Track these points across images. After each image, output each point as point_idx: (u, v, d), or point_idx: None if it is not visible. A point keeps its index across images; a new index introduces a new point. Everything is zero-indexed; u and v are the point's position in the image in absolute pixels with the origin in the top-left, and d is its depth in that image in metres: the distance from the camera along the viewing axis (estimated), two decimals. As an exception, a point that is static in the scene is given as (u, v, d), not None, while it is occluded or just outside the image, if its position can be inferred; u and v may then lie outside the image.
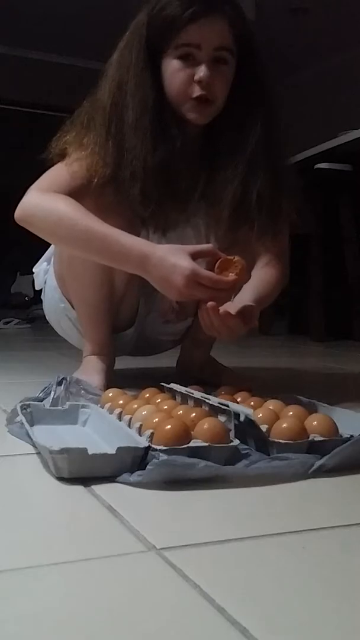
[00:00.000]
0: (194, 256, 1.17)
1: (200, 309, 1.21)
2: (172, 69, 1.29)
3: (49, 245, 1.58)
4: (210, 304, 1.17)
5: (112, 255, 1.24)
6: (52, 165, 1.35)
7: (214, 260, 1.19)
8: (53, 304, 1.59)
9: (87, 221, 1.24)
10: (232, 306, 1.22)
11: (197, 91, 1.29)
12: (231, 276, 1.17)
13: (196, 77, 1.27)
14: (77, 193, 1.30)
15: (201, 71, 1.27)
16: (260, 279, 1.38)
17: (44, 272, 1.62)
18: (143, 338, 1.62)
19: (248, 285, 1.32)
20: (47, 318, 1.68)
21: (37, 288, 1.66)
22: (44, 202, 1.29)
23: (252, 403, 1.09)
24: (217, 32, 1.27)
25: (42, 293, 1.64)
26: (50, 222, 1.28)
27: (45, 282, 1.61)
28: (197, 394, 1.10)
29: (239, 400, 1.14)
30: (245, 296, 1.28)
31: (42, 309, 1.70)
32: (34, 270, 1.67)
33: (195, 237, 1.43)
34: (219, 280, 1.16)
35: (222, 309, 1.18)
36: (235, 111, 1.33)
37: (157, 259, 1.18)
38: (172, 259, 1.16)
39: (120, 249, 1.21)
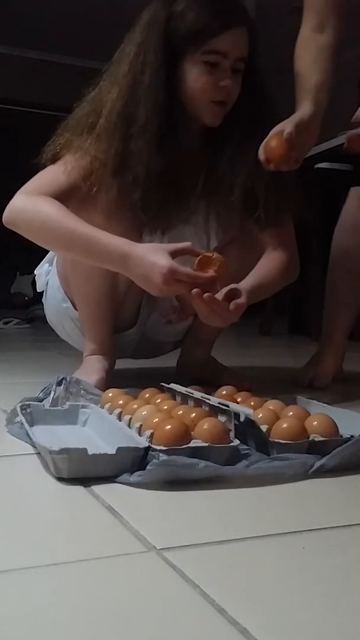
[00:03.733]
0: (173, 254, 1.20)
1: (192, 297, 1.21)
2: (197, 72, 1.32)
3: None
4: (194, 290, 1.18)
5: (95, 255, 1.26)
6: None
7: (194, 258, 1.22)
8: (55, 305, 1.58)
9: (70, 222, 1.26)
10: (221, 292, 1.22)
11: (219, 96, 1.33)
12: (210, 272, 1.20)
13: (222, 84, 1.32)
14: (67, 195, 1.32)
15: (227, 79, 1.32)
16: (262, 266, 1.39)
17: (45, 273, 1.62)
18: (145, 339, 1.62)
19: (250, 273, 1.35)
20: (48, 320, 1.67)
21: (38, 290, 1.66)
22: (28, 205, 1.31)
23: (252, 403, 1.09)
24: (241, 43, 1.33)
25: (44, 295, 1.64)
26: (35, 225, 1.30)
27: (47, 284, 1.61)
28: (197, 394, 1.10)
29: (239, 400, 1.14)
30: (242, 283, 1.30)
31: (42, 309, 1.70)
32: (35, 272, 1.66)
33: (195, 235, 1.44)
34: (196, 276, 1.18)
35: (206, 295, 1.18)
36: (238, 116, 1.37)
37: (136, 257, 1.20)
38: (150, 257, 1.19)
39: (102, 248, 1.24)
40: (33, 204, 1.30)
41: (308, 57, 1.39)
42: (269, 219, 1.38)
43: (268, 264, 1.41)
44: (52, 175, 1.34)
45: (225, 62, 1.32)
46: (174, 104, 1.33)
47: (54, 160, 1.36)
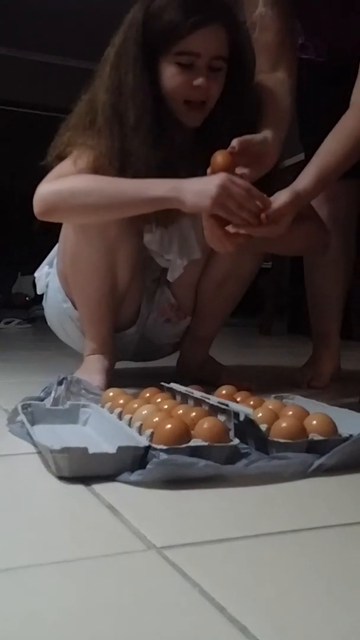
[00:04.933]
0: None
1: (205, 220, 1.24)
2: (171, 73, 1.32)
3: (50, 245, 1.58)
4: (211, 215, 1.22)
5: (149, 200, 1.26)
6: (51, 170, 1.37)
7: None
8: (56, 306, 1.58)
9: (111, 182, 1.28)
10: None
11: (194, 96, 1.33)
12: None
13: (195, 83, 1.31)
14: None
15: (200, 78, 1.31)
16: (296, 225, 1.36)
17: (45, 275, 1.62)
18: (144, 340, 1.63)
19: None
20: (49, 323, 1.67)
21: (39, 292, 1.66)
22: (58, 187, 1.31)
23: (251, 403, 1.09)
24: (215, 42, 1.31)
25: (44, 297, 1.64)
26: (78, 200, 1.29)
27: (47, 286, 1.61)
28: (197, 394, 1.11)
29: (238, 400, 1.14)
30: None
31: (42, 309, 1.70)
32: (35, 274, 1.66)
33: (192, 227, 1.44)
34: (250, 187, 1.20)
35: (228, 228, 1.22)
36: (227, 113, 1.36)
37: (188, 180, 1.23)
38: (204, 178, 1.22)
39: (154, 187, 1.25)
40: (64, 185, 1.30)
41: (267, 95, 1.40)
42: None
43: (298, 224, 1.35)
44: (64, 168, 1.34)
45: (199, 61, 1.30)
46: (161, 103, 1.34)
47: (59, 159, 1.37)
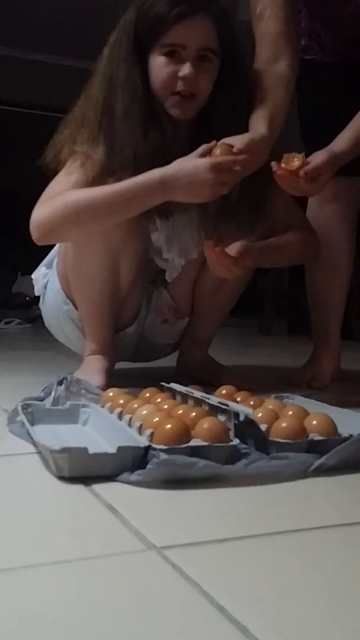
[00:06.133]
0: (203, 155, 1.24)
1: (209, 252, 1.33)
2: (158, 64, 1.34)
3: (50, 246, 1.58)
4: (207, 242, 1.32)
5: (138, 201, 1.29)
6: (50, 169, 1.39)
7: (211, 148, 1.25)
8: (55, 308, 1.58)
9: (97, 192, 1.30)
10: (233, 247, 1.34)
11: (180, 87, 1.33)
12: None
13: (180, 74, 1.32)
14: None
15: (185, 68, 1.32)
16: (279, 236, 1.47)
17: (43, 276, 1.61)
18: (142, 341, 1.63)
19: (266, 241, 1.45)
20: (46, 324, 1.66)
21: (36, 294, 1.65)
22: (49, 208, 1.34)
23: (251, 403, 1.09)
24: (201, 33, 1.32)
25: (41, 299, 1.64)
26: (70, 217, 1.32)
27: (45, 287, 1.60)
28: (197, 394, 1.11)
29: (238, 400, 1.14)
30: (256, 243, 1.40)
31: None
32: (32, 276, 1.66)
33: (189, 226, 1.45)
34: (236, 158, 1.22)
35: (217, 249, 1.30)
36: (221, 108, 1.37)
37: (173, 174, 1.25)
38: (187, 165, 1.24)
39: (140, 191, 1.27)
40: (54, 205, 1.33)
41: (264, 87, 1.40)
42: (243, 226, 1.41)
43: (285, 235, 1.48)
44: (57, 184, 1.37)
45: (185, 53, 1.32)
46: (152, 96, 1.35)
47: (56, 158, 1.38)
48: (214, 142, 1.26)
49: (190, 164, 1.24)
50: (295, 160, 1.27)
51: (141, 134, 1.32)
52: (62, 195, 1.33)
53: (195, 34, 1.32)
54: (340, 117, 1.41)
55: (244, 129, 1.33)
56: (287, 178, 1.27)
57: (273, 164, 1.27)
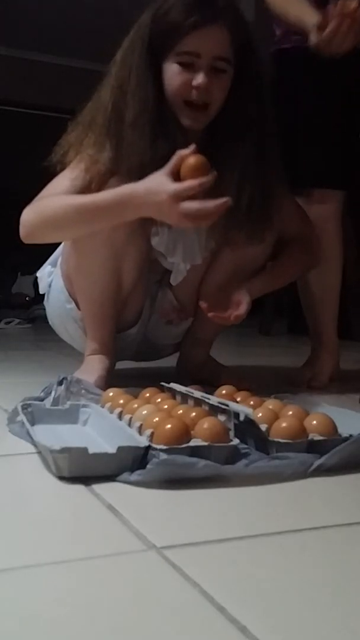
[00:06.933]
0: (173, 174, 1.21)
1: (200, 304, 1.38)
2: (171, 72, 1.32)
3: (51, 246, 1.58)
4: (200, 303, 1.38)
5: (107, 216, 1.29)
6: (55, 170, 1.38)
7: (180, 162, 1.22)
8: (59, 306, 1.58)
9: (75, 201, 1.30)
10: (230, 291, 1.41)
11: (193, 95, 1.32)
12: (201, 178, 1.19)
13: (194, 83, 1.31)
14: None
15: (199, 78, 1.30)
16: (282, 265, 1.54)
17: (47, 274, 1.61)
18: (145, 341, 1.62)
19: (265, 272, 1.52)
20: (50, 322, 1.66)
21: (41, 292, 1.66)
22: (35, 210, 1.34)
23: (251, 403, 1.09)
24: (216, 42, 1.30)
25: (46, 297, 1.64)
26: (49, 222, 1.33)
27: (49, 286, 1.61)
28: (197, 394, 1.11)
29: (238, 400, 1.14)
30: (252, 282, 1.46)
31: (43, 309, 1.69)
32: (37, 274, 1.66)
33: (193, 232, 1.45)
34: (197, 185, 1.19)
35: (211, 314, 1.37)
36: (233, 117, 1.36)
37: (143, 191, 1.22)
38: (153, 184, 1.21)
39: (112, 204, 1.26)
40: (39, 208, 1.34)
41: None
42: (252, 234, 1.40)
43: (285, 260, 1.53)
44: (53, 185, 1.37)
45: (199, 62, 1.30)
46: (164, 104, 1.34)
47: (62, 160, 1.38)
48: (192, 147, 1.22)
49: (154, 186, 1.21)
50: (190, 160, 1.22)
51: (149, 142, 1.30)
52: (48, 198, 1.34)
53: (209, 43, 1.30)
54: (324, 99, 1.47)
55: (251, 143, 1.34)
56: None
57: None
